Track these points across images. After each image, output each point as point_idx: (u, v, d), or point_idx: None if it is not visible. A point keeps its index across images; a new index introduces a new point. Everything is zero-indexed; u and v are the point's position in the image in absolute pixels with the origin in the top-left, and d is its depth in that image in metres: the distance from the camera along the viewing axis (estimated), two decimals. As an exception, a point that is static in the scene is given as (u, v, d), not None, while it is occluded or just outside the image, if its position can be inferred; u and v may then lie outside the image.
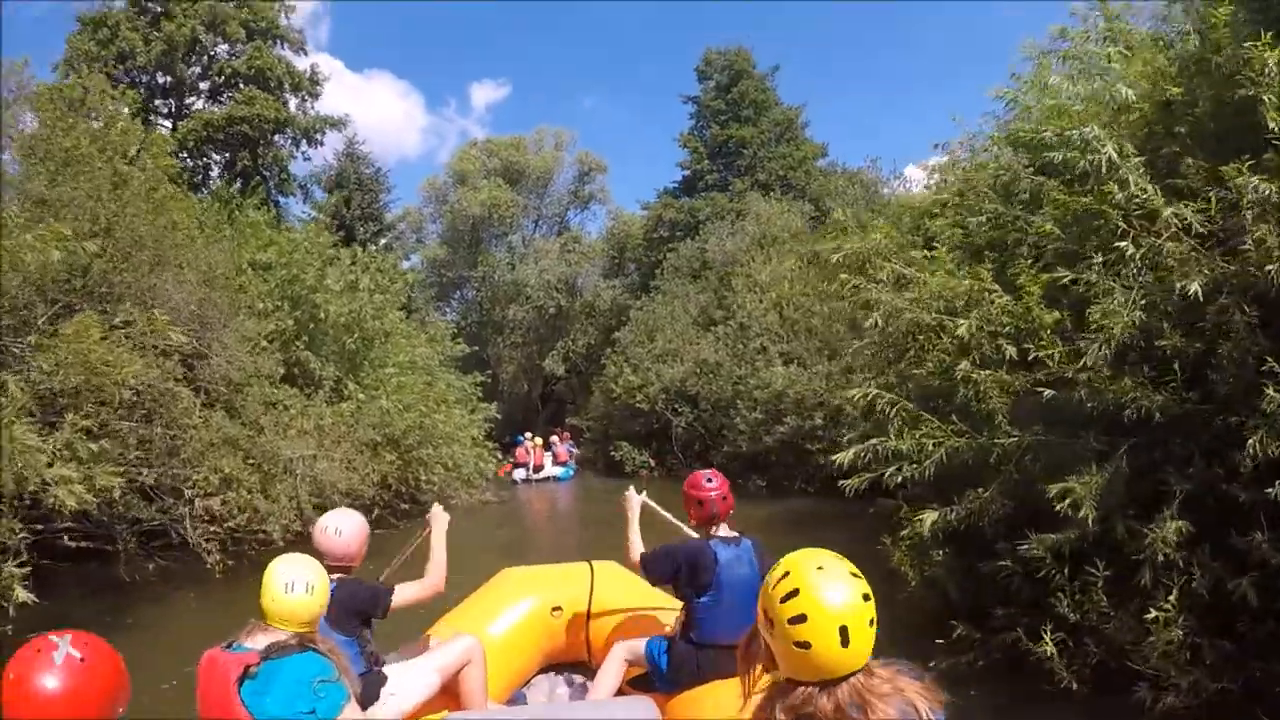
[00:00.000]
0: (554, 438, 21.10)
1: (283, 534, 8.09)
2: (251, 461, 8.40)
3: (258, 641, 2.19)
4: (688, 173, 28.04)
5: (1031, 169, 5.97)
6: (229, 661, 2.16)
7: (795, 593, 1.28)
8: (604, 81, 61.83)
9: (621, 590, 3.96)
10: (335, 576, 2.76)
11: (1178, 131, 4.42)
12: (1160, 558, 3.70)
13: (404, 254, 29.79)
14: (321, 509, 9.54)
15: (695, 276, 21.71)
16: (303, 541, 9.03)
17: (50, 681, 1.48)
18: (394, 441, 11.08)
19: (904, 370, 5.60)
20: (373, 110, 51.75)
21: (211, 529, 7.50)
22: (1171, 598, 3.66)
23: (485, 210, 32.07)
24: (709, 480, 3.37)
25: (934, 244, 6.17)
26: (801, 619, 1.26)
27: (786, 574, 1.31)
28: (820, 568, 1.30)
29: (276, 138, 20.21)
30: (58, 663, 1.49)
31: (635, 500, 3.74)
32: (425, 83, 65.96)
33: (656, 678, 3.27)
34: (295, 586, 2.23)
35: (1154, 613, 3.64)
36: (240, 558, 7.94)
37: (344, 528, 3.06)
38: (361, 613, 2.98)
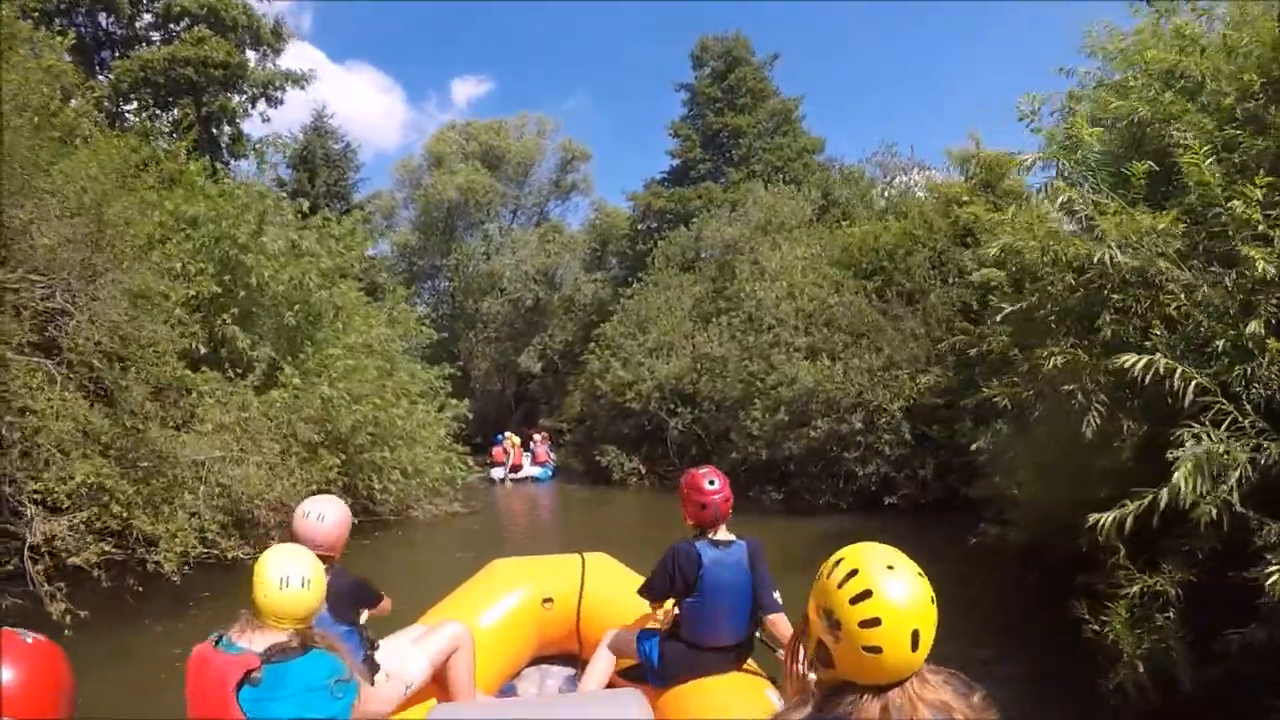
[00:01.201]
0: (535, 437, 19.72)
1: (179, 564, 5.95)
2: (145, 465, 6.32)
3: (254, 641, 2.05)
4: (678, 162, 26.57)
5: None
6: (225, 664, 2.01)
7: (867, 594, 1.16)
8: (589, 77, 60.01)
9: (613, 582, 3.89)
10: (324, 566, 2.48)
11: None
12: None
13: (373, 238, 27.50)
14: (237, 528, 7.45)
15: (687, 268, 19.97)
16: (206, 571, 6.82)
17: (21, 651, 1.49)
18: (339, 441, 8.97)
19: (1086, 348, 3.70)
20: (353, 103, 49.91)
21: (70, 559, 5.32)
22: None
23: (461, 195, 30.15)
24: (711, 483, 3.10)
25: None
26: (875, 622, 1.15)
27: (854, 572, 1.19)
28: (890, 566, 1.19)
29: (231, 94, 17.90)
30: (28, 641, 1.49)
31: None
32: (407, 77, 63.84)
33: (649, 671, 3.16)
34: (290, 581, 2.09)
35: None
36: (119, 597, 5.80)
37: (327, 513, 2.87)
38: (360, 601, 2.89)
